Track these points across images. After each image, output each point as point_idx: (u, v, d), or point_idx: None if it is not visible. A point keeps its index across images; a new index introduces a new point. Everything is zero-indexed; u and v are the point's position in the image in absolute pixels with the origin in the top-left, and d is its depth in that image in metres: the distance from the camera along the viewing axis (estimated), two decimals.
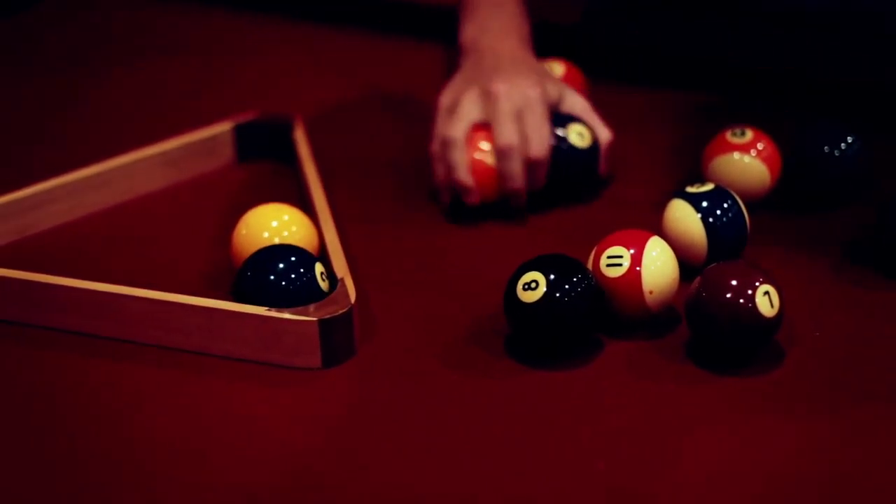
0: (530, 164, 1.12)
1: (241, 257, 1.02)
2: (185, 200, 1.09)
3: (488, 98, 1.13)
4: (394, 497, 0.84)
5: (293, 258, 0.98)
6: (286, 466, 0.87)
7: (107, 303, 0.98)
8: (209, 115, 1.29)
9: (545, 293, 0.92)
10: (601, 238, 0.99)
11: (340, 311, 0.95)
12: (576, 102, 1.17)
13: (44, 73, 1.52)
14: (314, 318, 0.94)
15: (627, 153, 1.21)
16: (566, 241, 1.07)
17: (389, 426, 0.90)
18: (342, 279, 0.98)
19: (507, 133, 1.11)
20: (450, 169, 1.13)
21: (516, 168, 1.12)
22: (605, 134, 1.16)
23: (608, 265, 0.96)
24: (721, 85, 1.26)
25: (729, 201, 1.03)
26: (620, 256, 0.96)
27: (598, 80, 1.31)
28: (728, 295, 0.92)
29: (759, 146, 1.12)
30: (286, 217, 1.05)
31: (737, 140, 1.12)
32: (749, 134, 1.13)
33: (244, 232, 1.05)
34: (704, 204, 1.02)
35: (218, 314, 0.96)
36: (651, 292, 0.96)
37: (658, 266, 0.96)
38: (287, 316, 0.94)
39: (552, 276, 0.93)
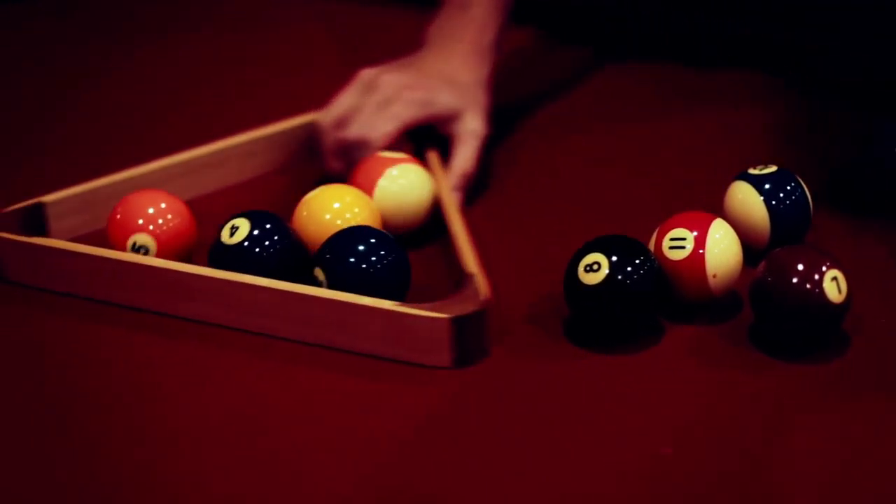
0: (351, 145, 1.13)
1: (303, 240, 1.00)
2: (289, 183, 1.07)
3: (370, 85, 1.15)
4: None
5: (374, 240, 0.95)
6: (398, 464, 0.84)
7: (227, 292, 0.96)
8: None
9: (608, 275, 0.90)
10: (662, 220, 0.97)
11: (473, 310, 0.91)
12: (468, 127, 1.14)
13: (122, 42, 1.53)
14: (446, 316, 0.90)
15: (685, 134, 1.19)
16: (626, 222, 1.04)
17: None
18: (473, 275, 0.95)
19: (332, 111, 1.14)
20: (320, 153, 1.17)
21: (325, 145, 1.15)
22: (460, 163, 1.13)
23: (671, 247, 0.94)
24: (786, 67, 1.24)
25: (792, 184, 1.01)
26: (683, 239, 0.94)
27: (655, 58, 1.30)
28: (795, 280, 0.89)
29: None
30: (348, 199, 1.03)
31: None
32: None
33: (305, 214, 1.03)
34: (767, 186, 1.00)
35: (343, 307, 0.93)
36: (714, 276, 0.94)
37: (722, 249, 0.94)
38: (416, 312, 0.91)
39: (615, 258, 0.91)
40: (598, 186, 1.16)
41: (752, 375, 0.90)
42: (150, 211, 1.02)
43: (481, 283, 0.94)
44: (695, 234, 0.94)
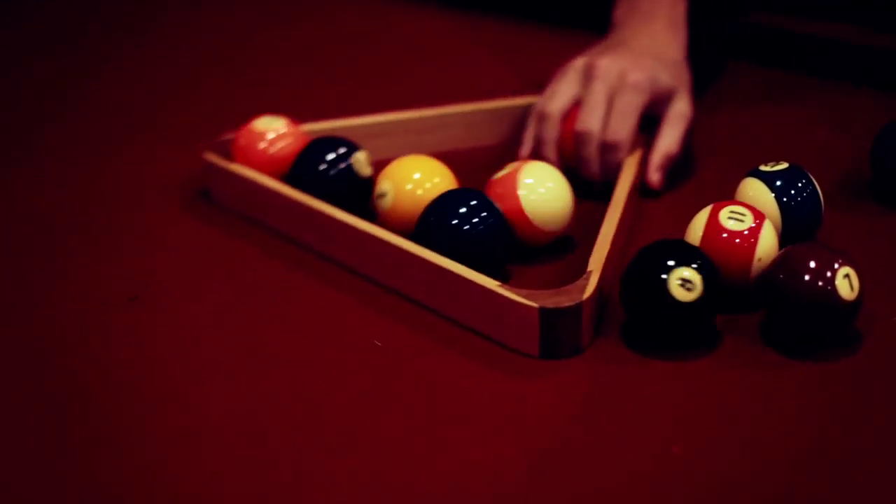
0: (605, 148, 1.11)
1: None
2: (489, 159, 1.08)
3: (589, 73, 1.13)
4: None
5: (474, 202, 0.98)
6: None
7: (361, 241, 1.01)
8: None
9: (703, 293, 0.89)
10: (673, 217, 0.98)
11: (567, 304, 0.90)
12: (678, 108, 1.14)
13: None
14: (535, 305, 0.89)
15: (696, 131, 1.19)
16: (637, 220, 1.04)
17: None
18: (590, 272, 0.93)
19: (587, 119, 1.11)
20: (540, 142, 1.14)
21: (590, 154, 1.11)
22: (666, 143, 1.13)
23: (730, 218, 0.95)
24: (795, 63, 1.24)
25: (803, 180, 1.01)
26: (744, 214, 0.95)
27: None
28: (807, 277, 0.89)
29: None
30: (428, 168, 1.03)
31: None
32: None
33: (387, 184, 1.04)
34: (779, 183, 1.00)
35: (449, 276, 0.94)
36: (760, 259, 0.94)
37: (770, 236, 0.95)
38: (510, 295, 0.90)
39: (706, 275, 0.90)
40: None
41: (762, 373, 0.90)
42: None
43: (592, 282, 0.92)
44: (753, 214, 0.95)
